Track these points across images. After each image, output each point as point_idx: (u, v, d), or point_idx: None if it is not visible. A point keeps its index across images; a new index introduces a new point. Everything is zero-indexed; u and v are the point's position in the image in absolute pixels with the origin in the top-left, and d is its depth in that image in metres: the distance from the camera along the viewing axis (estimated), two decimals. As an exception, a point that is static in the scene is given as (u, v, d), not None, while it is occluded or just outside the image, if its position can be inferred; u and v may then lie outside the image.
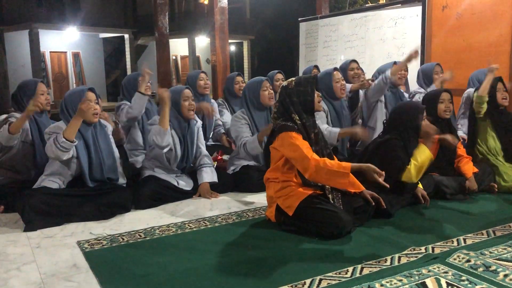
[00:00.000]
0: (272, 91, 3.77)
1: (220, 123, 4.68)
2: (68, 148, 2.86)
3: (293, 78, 2.81)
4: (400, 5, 6.49)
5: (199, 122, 3.60)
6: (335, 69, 4.03)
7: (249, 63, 22.69)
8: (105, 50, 19.14)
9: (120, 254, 2.38)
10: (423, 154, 2.89)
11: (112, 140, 3.29)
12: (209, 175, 3.46)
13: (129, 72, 18.02)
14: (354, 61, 4.61)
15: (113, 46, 19.46)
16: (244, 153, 3.63)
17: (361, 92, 4.66)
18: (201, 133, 3.60)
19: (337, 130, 3.71)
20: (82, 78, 17.97)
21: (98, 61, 18.65)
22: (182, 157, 3.43)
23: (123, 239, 2.60)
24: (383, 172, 2.61)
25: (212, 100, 4.69)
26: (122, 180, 3.27)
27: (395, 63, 4.63)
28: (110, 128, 3.30)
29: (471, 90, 4.51)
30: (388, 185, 2.64)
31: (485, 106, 3.52)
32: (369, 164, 2.61)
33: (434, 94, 3.50)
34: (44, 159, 3.17)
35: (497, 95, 3.56)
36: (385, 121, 3.23)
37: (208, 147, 4.40)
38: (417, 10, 5.91)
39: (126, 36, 18.22)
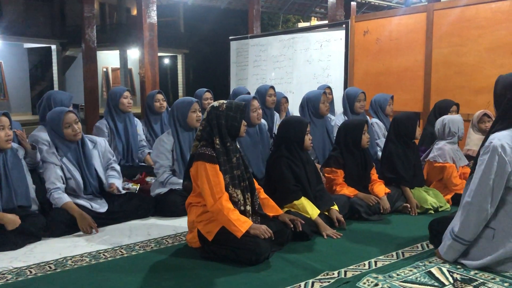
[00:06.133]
0: (200, 114, 3.70)
1: (145, 144, 4.59)
2: None
3: (225, 101, 2.80)
4: (326, 28, 6.77)
5: (99, 144, 3.48)
6: (254, 97, 4.03)
7: (183, 76, 22.55)
8: (30, 60, 18.19)
9: (25, 290, 2.24)
10: (312, 209, 3.03)
11: (25, 165, 3.13)
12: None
13: (56, 84, 17.26)
14: (272, 87, 4.72)
15: (39, 56, 18.59)
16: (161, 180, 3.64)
17: (276, 115, 4.80)
18: (96, 155, 3.42)
19: None
20: (3, 89, 16.93)
21: (23, 72, 17.66)
22: (84, 184, 3.26)
23: (30, 272, 2.45)
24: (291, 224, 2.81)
25: (136, 120, 4.60)
26: (34, 207, 3.10)
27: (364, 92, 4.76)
28: (22, 152, 3.13)
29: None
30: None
31: None
32: (267, 228, 2.60)
33: (357, 125, 3.56)
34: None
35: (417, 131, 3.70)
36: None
37: (134, 168, 4.32)
38: (341, 34, 6.19)
39: (54, 46, 17.47)
